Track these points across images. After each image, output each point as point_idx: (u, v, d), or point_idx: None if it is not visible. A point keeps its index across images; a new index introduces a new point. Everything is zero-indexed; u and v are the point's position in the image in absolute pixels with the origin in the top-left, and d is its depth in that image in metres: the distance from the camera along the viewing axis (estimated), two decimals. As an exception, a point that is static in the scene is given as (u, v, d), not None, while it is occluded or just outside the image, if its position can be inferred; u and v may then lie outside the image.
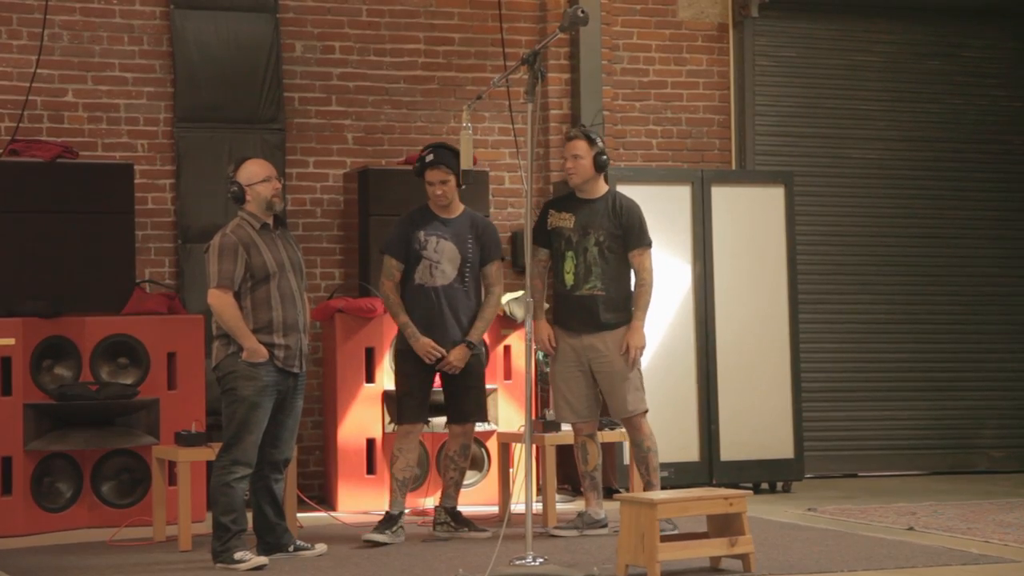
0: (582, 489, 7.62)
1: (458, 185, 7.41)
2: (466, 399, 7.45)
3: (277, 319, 6.67)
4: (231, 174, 6.86)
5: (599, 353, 7.38)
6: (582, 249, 7.38)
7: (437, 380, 7.49)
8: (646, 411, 7.44)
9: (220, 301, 6.64)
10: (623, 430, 7.94)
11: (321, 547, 6.93)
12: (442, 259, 7.37)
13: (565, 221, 7.44)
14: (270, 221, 6.82)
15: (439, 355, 7.31)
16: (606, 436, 8.20)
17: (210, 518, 7.99)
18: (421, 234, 7.39)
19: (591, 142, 7.43)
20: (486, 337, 8.89)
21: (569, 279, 7.41)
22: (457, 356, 7.36)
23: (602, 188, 7.52)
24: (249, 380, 6.59)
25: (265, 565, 6.52)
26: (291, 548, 6.84)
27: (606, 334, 7.38)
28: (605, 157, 7.43)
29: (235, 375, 6.61)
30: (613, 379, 7.38)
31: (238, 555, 6.51)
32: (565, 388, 7.46)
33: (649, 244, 7.47)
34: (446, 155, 7.38)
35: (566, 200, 7.57)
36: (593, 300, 7.38)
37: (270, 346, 6.64)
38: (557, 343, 7.47)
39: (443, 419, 8.09)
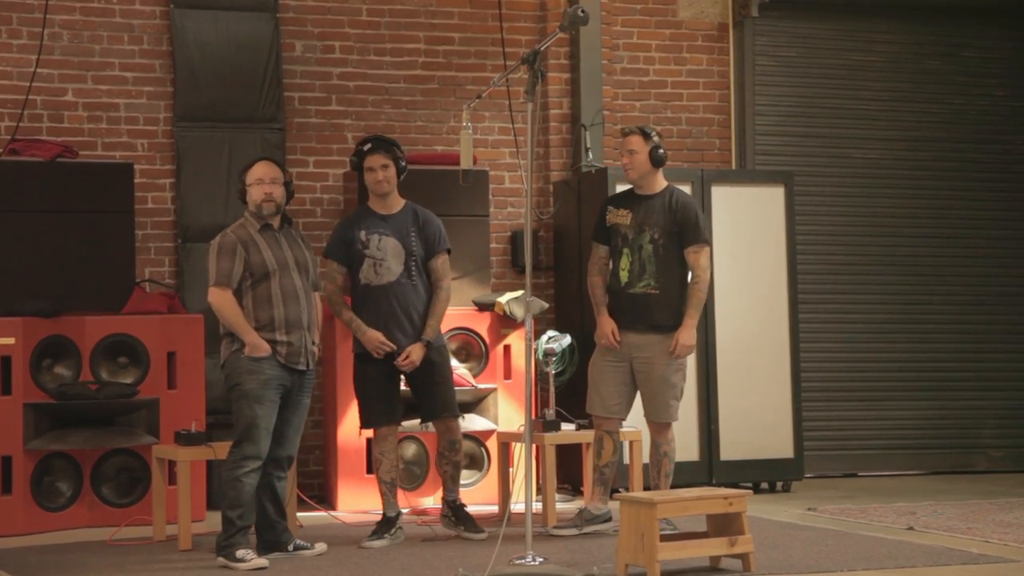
0: (584, 485, 7.56)
1: (398, 176, 7.38)
2: (432, 396, 7.39)
3: (279, 316, 6.72)
4: (242, 173, 6.96)
5: (645, 355, 7.31)
6: (637, 247, 7.30)
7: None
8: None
9: (218, 298, 6.74)
10: (626, 430, 7.95)
11: (321, 546, 6.93)
12: (386, 256, 7.30)
13: (622, 218, 7.37)
14: (273, 221, 6.84)
15: (388, 349, 7.24)
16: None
17: (209, 517, 8.05)
18: (362, 233, 7.33)
19: (646, 137, 7.35)
20: (486, 336, 8.94)
21: (624, 276, 7.33)
22: (415, 354, 7.30)
23: (660, 184, 7.42)
24: (252, 374, 6.66)
25: (265, 567, 6.52)
26: (291, 547, 6.85)
27: (656, 337, 7.29)
28: (662, 151, 7.34)
29: (239, 371, 6.69)
30: (656, 384, 7.31)
31: (239, 553, 6.53)
32: (600, 380, 7.38)
33: (706, 241, 7.37)
34: (383, 143, 7.39)
35: (625, 197, 7.52)
36: (647, 299, 7.29)
37: (272, 343, 6.70)
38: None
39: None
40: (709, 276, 7.37)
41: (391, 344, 7.25)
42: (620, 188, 8.98)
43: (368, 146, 7.37)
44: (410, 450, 8.83)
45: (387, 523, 7.31)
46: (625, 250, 7.34)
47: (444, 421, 7.43)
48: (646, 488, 7.67)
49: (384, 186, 7.34)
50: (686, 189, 9.19)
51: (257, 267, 6.73)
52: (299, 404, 6.85)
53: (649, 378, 7.33)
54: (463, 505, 7.48)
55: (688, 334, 7.27)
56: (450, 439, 7.44)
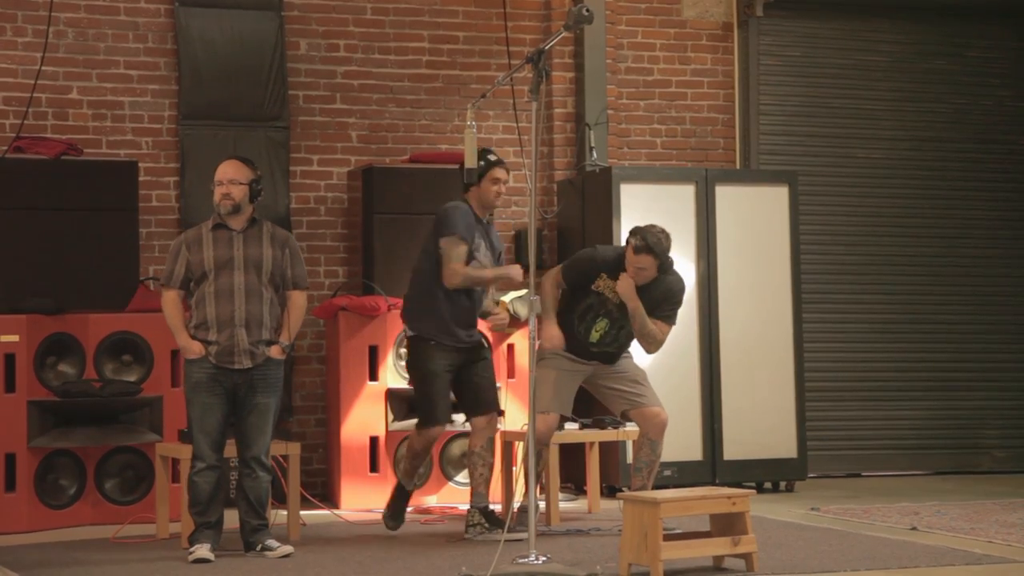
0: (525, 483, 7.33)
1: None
2: (485, 389, 7.44)
3: (211, 315, 6.85)
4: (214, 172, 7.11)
5: (613, 366, 7.41)
6: (619, 325, 7.33)
7: None
8: None
9: (162, 300, 7.01)
10: (625, 429, 7.93)
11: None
12: (482, 262, 7.40)
13: (612, 292, 7.31)
14: (231, 221, 6.92)
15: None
16: (609, 435, 8.19)
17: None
18: (475, 235, 7.40)
19: (658, 259, 7.18)
20: (490, 337, 8.94)
21: (595, 336, 7.36)
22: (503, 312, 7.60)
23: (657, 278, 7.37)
24: (187, 377, 6.93)
25: (207, 560, 6.65)
26: (259, 547, 6.87)
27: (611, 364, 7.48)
28: (668, 264, 7.31)
29: (185, 373, 6.96)
30: (637, 376, 7.39)
31: (192, 546, 6.76)
32: (557, 378, 7.32)
33: (673, 324, 7.36)
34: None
35: (619, 269, 7.31)
36: (609, 355, 7.43)
37: (206, 342, 6.86)
38: (556, 358, 7.38)
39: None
40: (658, 346, 7.34)
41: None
42: (625, 187, 9.01)
43: (494, 157, 7.43)
44: (413, 449, 8.83)
45: (404, 495, 7.49)
46: (605, 320, 7.33)
47: (487, 416, 7.43)
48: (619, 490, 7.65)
49: (499, 200, 7.52)
50: (689, 189, 9.24)
51: (195, 267, 6.89)
52: (252, 404, 6.88)
53: (630, 374, 7.40)
54: (494, 510, 7.45)
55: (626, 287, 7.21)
56: (489, 436, 7.43)
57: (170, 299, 6.93)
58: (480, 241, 7.38)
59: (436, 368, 7.32)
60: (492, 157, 7.41)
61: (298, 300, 7.04)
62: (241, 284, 6.85)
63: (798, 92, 10.56)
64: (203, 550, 6.70)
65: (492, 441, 7.46)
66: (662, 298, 7.31)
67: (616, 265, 7.33)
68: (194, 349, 6.83)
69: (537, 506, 7.36)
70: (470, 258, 7.31)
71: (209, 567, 6.59)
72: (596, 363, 7.44)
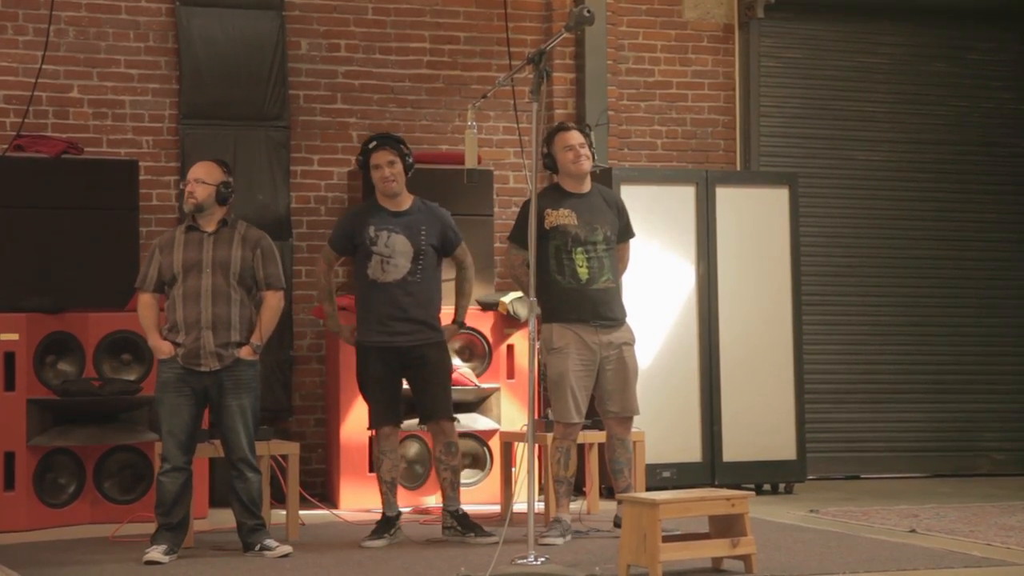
0: (557, 494, 7.35)
1: (405, 172, 7.33)
2: (426, 396, 7.33)
3: (179, 318, 6.87)
4: None
5: (615, 349, 7.29)
6: (591, 244, 7.28)
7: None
8: None
9: (137, 302, 7.04)
10: (636, 429, 7.94)
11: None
12: (394, 253, 7.25)
13: (566, 218, 7.31)
14: (202, 222, 6.94)
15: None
16: (601, 436, 8.19)
17: (211, 515, 8.08)
18: (371, 229, 7.28)
19: (585, 134, 7.47)
20: (489, 336, 8.94)
21: (584, 273, 7.26)
22: (448, 336, 7.41)
23: (590, 181, 7.50)
24: (157, 377, 6.93)
25: (159, 563, 6.60)
26: (257, 547, 6.87)
27: (619, 330, 7.33)
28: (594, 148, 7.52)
29: (156, 373, 6.98)
30: (628, 376, 7.32)
31: (148, 548, 6.70)
32: (577, 387, 7.26)
33: (634, 234, 7.64)
34: (388, 139, 7.38)
35: (556, 196, 7.42)
36: (608, 293, 7.31)
37: (176, 344, 6.87)
38: (566, 339, 7.27)
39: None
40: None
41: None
42: (625, 188, 9.00)
43: (373, 143, 7.35)
44: (412, 449, 8.83)
45: (387, 523, 7.29)
46: (578, 249, 7.28)
47: (438, 423, 7.35)
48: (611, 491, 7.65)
49: (392, 185, 7.29)
50: (690, 190, 9.25)
51: (165, 270, 6.92)
52: (226, 406, 6.85)
53: (621, 373, 7.31)
54: (466, 513, 7.39)
55: None
56: (445, 441, 7.34)
57: (143, 302, 6.97)
58: (383, 232, 7.24)
59: (369, 369, 7.29)
60: (370, 145, 7.35)
61: (271, 301, 6.99)
62: (208, 286, 6.85)
63: (799, 94, 10.56)
64: (156, 552, 6.66)
65: (450, 445, 7.34)
66: (623, 215, 7.52)
67: (548, 192, 7.50)
68: (163, 349, 6.86)
69: (562, 511, 7.40)
70: (368, 252, 7.23)
71: (208, 567, 6.59)
72: (606, 330, 7.29)
